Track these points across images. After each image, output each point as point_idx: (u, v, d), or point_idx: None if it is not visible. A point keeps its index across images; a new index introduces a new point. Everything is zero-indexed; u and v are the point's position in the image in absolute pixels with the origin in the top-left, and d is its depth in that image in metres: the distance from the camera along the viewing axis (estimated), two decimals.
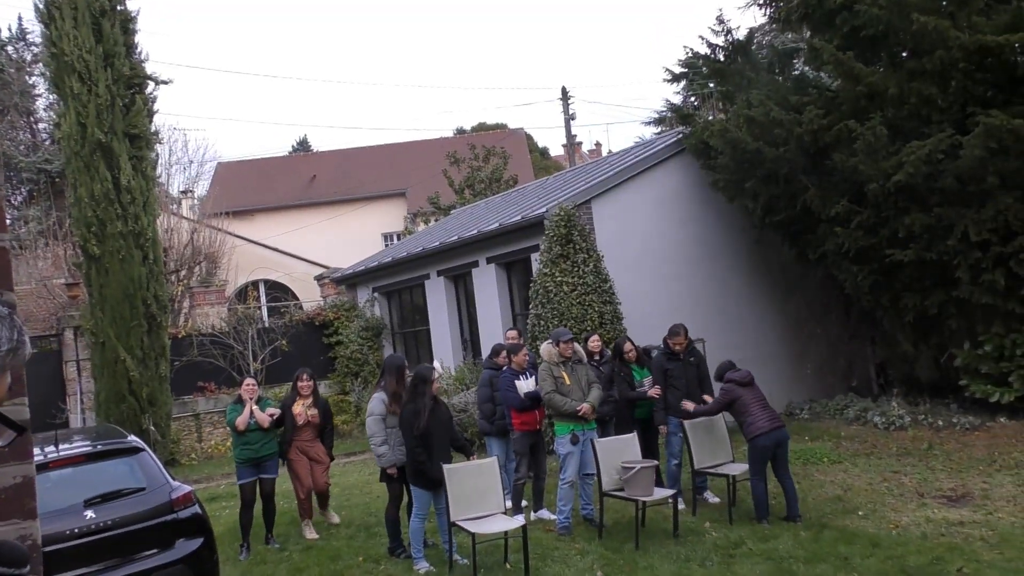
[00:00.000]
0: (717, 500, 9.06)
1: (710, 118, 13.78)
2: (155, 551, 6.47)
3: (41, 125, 30.22)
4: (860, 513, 8.16)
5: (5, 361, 1.71)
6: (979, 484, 8.77)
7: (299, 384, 9.31)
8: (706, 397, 9.00)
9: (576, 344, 8.83)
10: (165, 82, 15.56)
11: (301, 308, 22.14)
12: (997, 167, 10.39)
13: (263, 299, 26.27)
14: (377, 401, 8.15)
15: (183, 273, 22.20)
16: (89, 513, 6.26)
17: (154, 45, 45.53)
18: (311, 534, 9.26)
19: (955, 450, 10.35)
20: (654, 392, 9.02)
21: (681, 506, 8.62)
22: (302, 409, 9.23)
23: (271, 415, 8.92)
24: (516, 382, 8.89)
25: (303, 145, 52.96)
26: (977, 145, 10.15)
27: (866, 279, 12.26)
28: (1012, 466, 9.32)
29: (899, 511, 8.12)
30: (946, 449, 10.44)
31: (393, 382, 8.15)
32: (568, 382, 8.48)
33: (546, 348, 8.77)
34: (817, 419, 13.26)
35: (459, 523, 7.31)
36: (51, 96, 17.61)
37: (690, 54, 15.85)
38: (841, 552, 6.99)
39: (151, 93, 15.14)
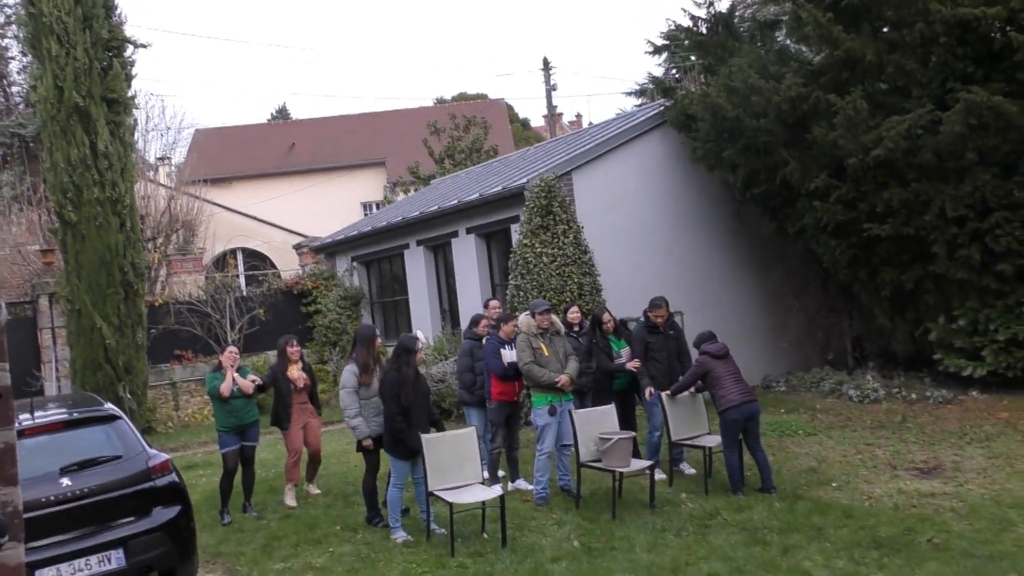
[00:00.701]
0: (693, 472, 9.14)
1: (692, 89, 13.74)
2: (132, 519, 6.44)
3: (15, 88, 29.71)
4: (834, 484, 8.26)
5: None
6: (950, 456, 8.90)
7: (289, 350, 9.45)
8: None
9: (554, 315, 8.84)
10: (144, 45, 15.38)
11: (279, 277, 21.99)
12: (976, 143, 10.45)
13: (241, 267, 26.09)
14: (349, 373, 8.14)
15: (160, 241, 21.97)
16: (65, 481, 6.22)
17: (132, 8, 45.00)
18: (291, 501, 9.31)
19: (928, 423, 10.48)
20: (633, 365, 9.04)
21: (660, 476, 8.70)
22: (298, 373, 9.40)
23: (253, 381, 8.94)
24: (502, 350, 8.90)
25: (282, 113, 52.47)
26: (957, 121, 10.19)
27: (844, 253, 12.33)
28: (983, 439, 9.46)
29: (872, 483, 8.22)
30: (919, 422, 10.57)
31: (364, 352, 8.15)
32: (547, 353, 8.50)
33: (524, 319, 8.78)
34: (793, 392, 13.39)
35: (436, 493, 7.34)
36: (26, 58, 17.32)
37: (672, 26, 15.80)
38: (815, 523, 7.08)
39: (130, 57, 14.91)
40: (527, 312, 8.85)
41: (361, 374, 8.05)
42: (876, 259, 12.19)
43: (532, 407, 8.69)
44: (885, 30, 11.61)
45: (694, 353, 8.83)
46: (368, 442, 8.05)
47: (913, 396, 11.77)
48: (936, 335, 12.02)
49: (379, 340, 8.36)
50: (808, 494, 7.99)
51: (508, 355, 8.86)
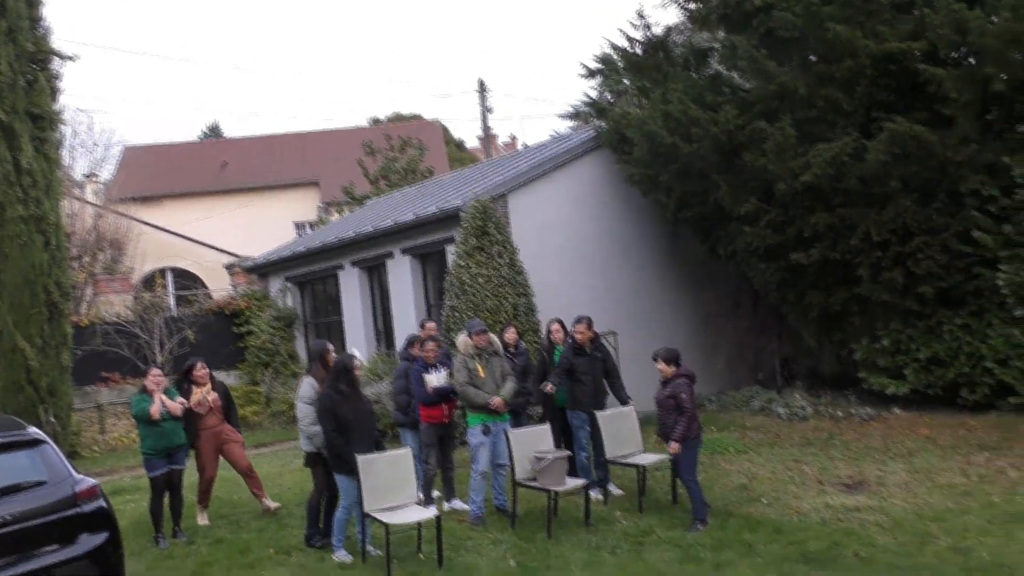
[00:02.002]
0: (621, 493, 9.20)
1: (629, 110, 13.98)
2: (57, 546, 6.25)
3: None
4: (764, 501, 8.43)
5: None
6: (875, 472, 9.15)
7: (195, 374, 9.27)
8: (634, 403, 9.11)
9: (492, 336, 8.88)
10: (70, 58, 14.93)
11: (211, 297, 21.65)
12: (899, 171, 10.83)
13: (171, 287, 25.61)
14: (307, 386, 8.19)
15: (87, 259, 21.49)
16: None
17: (59, 20, 43.97)
18: (203, 520, 9.31)
19: (853, 440, 10.77)
20: (548, 388, 9.01)
21: (597, 496, 8.77)
22: (201, 397, 9.17)
23: (181, 403, 8.78)
24: (424, 375, 8.89)
25: (214, 131, 51.69)
26: (881, 150, 10.57)
27: (773, 276, 12.63)
28: (905, 454, 9.76)
29: (800, 498, 8.41)
30: (845, 439, 10.86)
31: (318, 367, 8.22)
32: (482, 374, 8.53)
33: (462, 340, 8.80)
34: (724, 410, 13.63)
35: (372, 514, 7.30)
36: None
37: (608, 46, 16.01)
38: (746, 539, 7.21)
39: (56, 71, 14.56)
40: (464, 332, 8.87)
41: (319, 387, 8.04)
42: (804, 282, 12.50)
43: (467, 426, 8.70)
44: (813, 59, 11.98)
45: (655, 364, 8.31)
46: (324, 450, 7.93)
47: (839, 414, 12.09)
48: (860, 355, 12.37)
49: (332, 353, 8.29)
50: (739, 510, 8.14)
51: (432, 379, 8.85)
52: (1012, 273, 10.54)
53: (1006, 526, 6.98)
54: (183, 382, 9.29)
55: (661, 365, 8.12)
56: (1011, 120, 10.71)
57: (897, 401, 12.04)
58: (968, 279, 11.16)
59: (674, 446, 7.86)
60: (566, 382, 9.12)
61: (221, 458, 9.47)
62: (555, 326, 9.68)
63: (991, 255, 10.78)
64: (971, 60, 10.78)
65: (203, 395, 9.19)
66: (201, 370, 9.28)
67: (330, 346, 8.55)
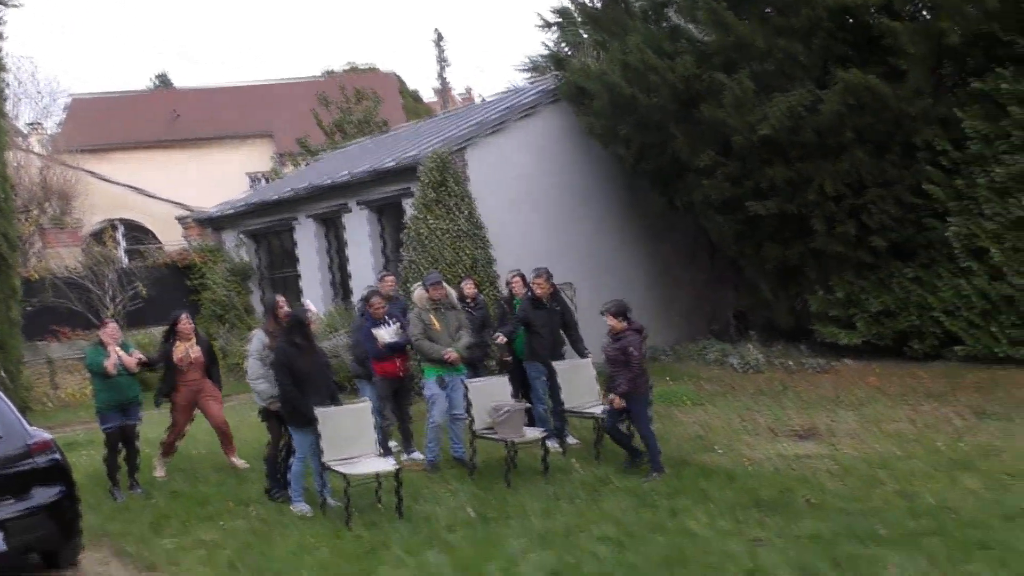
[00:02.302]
0: (578, 443, 9.31)
1: (587, 63, 13.89)
2: (11, 500, 6.21)
3: None
4: (718, 450, 8.59)
5: None
6: (825, 421, 9.36)
7: (179, 325, 9.16)
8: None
9: (448, 288, 8.87)
10: (16, 5, 14.51)
11: (163, 251, 21.33)
12: (853, 122, 10.92)
13: (122, 241, 25.17)
14: (256, 340, 8.19)
15: (34, 211, 21.01)
16: None
17: None
18: (160, 473, 9.34)
19: (805, 390, 10.99)
20: (499, 339, 9.08)
21: (555, 446, 8.86)
22: (185, 350, 9.09)
23: (137, 358, 8.67)
24: (375, 331, 8.86)
25: (163, 81, 50.47)
26: (836, 101, 10.63)
27: (731, 229, 12.73)
28: (855, 403, 9.99)
29: (753, 447, 8.59)
30: (797, 389, 11.07)
31: (270, 319, 8.27)
32: (438, 327, 8.53)
33: (418, 293, 8.80)
34: (680, 362, 13.80)
35: (332, 465, 7.32)
36: None
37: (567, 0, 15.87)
38: (700, 486, 7.35)
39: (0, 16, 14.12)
40: (420, 285, 8.85)
41: (269, 341, 8.03)
42: (761, 234, 12.62)
43: (423, 379, 8.73)
44: (770, 12, 11.97)
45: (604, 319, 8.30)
46: (275, 405, 7.91)
47: (792, 365, 12.31)
48: (813, 307, 12.57)
49: (284, 307, 8.26)
50: (694, 459, 8.28)
51: (382, 334, 8.82)
52: (961, 226, 10.74)
53: (950, 472, 7.19)
54: (169, 335, 9.21)
55: (611, 320, 8.12)
56: (964, 75, 10.84)
57: (848, 352, 12.28)
58: (919, 231, 11.36)
59: (617, 400, 7.94)
60: (524, 334, 9.16)
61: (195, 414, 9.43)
62: (515, 278, 9.69)
63: (942, 208, 10.97)
64: (926, 14, 10.86)
65: (186, 349, 9.12)
66: (186, 323, 9.17)
67: (281, 299, 8.52)
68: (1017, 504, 6.26)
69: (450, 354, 8.43)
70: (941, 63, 10.72)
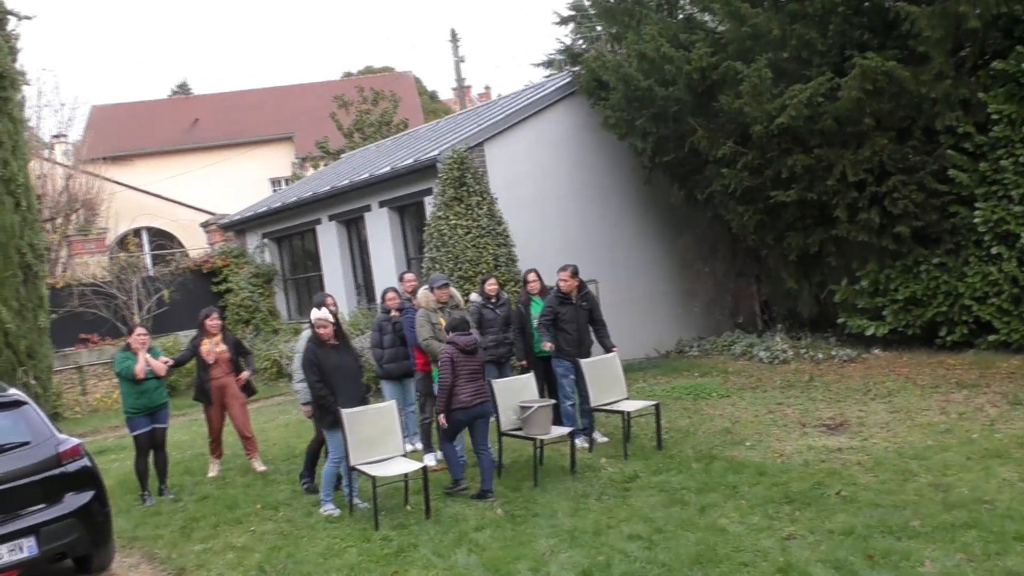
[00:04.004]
0: (606, 440, 9.27)
1: (605, 55, 13.84)
2: (43, 506, 6.27)
3: None
4: (747, 444, 8.51)
5: None
6: (855, 413, 9.26)
7: (207, 323, 9.31)
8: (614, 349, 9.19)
9: (452, 289, 8.85)
10: (28, 17, 14.65)
11: (187, 256, 21.45)
12: (873, 109, 10.79)
13: (146, 247, 25.36)
14: (302, 339, 8.32)
15: (59, 221, 21.19)
16: None
17: None
18: (213, 471, 9.52)
19: (833, 381, 10.88)
20: (547, 347, 8.92)
21: (583, 443, 8.82)
22: (210, 347, 9.23)
23: (165, 362, 8.75)
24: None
25: (183, 88, 50.88)
26: (854, 87, 10.51)
27: (751, 219, 12.63)
28: (885, 394, 9.87)
29: (783, 440, 8.51)
30: (825, 380, 10.96)
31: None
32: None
33: (423, 294, 8.78)
34: (706, 355, 13.72)
35: (359, 467, 7.31)
36: None
37: None
38: (730, 481, 7.29)
39: (13, 30, 14.23)
40: (426, 287, 8.84)
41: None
42: (782, 224, 12.52)
43: (433, 380, 8.69)
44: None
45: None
46: (308, 409, 8.15)
47: (819, 356, 12.19)
48: (839, 297, 12.44)
49: (332, 305, 8.25)
50: (723, 454, 8.22)
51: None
52: (988, 211, 10.60)
53: (985, 462, 7.09)
54: (199, 333, 9.36)
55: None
56: (985, 56, 10.68)
57: (877, 342, 12.15)
58: (944, 217, 11.21)
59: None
60: (550, 330, 9.11)
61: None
62: (531, 276, 9.65)
63: (967, 193, 10.83)
64: None
65: (211, 346, 9.26)
66: (211, 321, 9.32)
67: (330, 298, 8.54)
68: None
69: None
70: (961, 45, 10.56)
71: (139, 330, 8.84)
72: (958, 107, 10.67)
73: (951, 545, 5.48)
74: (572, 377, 9.01)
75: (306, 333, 8.28)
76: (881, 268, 11.87)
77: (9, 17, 14.20)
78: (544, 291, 9.54)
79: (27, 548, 6.05)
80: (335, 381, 7.48)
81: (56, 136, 27.78)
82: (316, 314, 7.67)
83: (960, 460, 7.20)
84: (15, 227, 13.56)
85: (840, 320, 12.57)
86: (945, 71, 10.43)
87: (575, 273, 9.15)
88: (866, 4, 10.90)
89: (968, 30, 10.21)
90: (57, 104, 42.86)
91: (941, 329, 11.43)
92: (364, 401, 7.79)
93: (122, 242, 23.58)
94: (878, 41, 11.03)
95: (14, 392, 6.90)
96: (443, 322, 8.49)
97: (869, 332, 12.04)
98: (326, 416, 7.52)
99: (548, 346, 8.90)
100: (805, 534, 5.96)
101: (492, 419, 8.44)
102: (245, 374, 9.51)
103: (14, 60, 14.09)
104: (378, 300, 11.58)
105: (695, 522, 6.43)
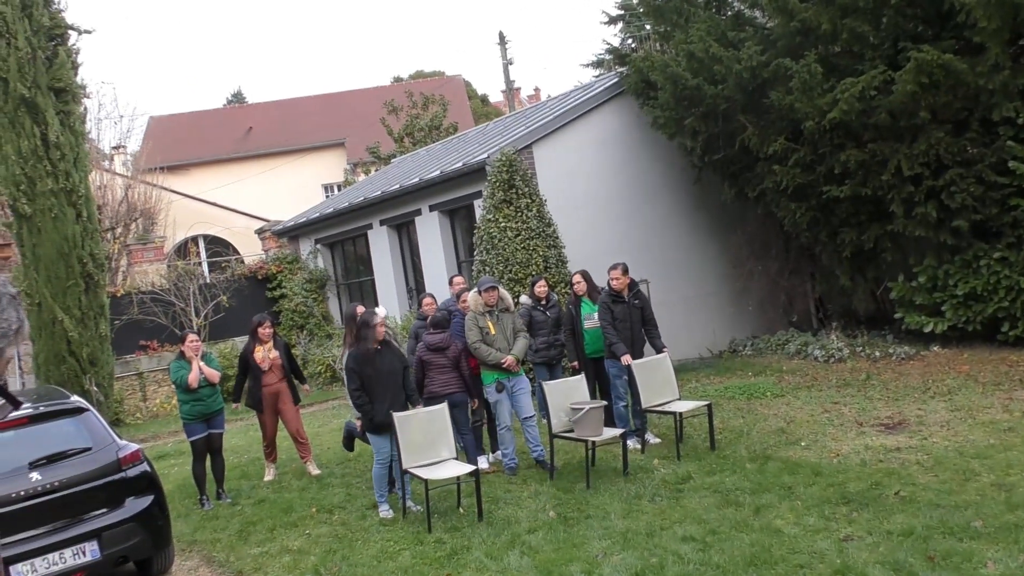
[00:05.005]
0: (659, 441, 9.20)
1: (653, 54, 13.76)
2: (104, 510, 6.41)
3: None
4: (803, 444, 8.39)
5: (13, 339, 1.74)
6: (914, 411, 9.07)
7: (259, 331, 9.49)
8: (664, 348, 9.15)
9: (503, 291, 8.81)
10: (88, 32, 14.99)
11: (243, 262, 21.81)
12: (928, 102, 10.58)
13: (203, 254, 25.82)
14: (348, 354, 8.38)
15: (119, 230, 21.69)
16: (35, 475, 6.16)
17: None
18: (269, 475, 9.69)
19: (891, 379, 10.67)
20: (625, 360, 8.81)
21: (635, 444, 8.78)
22: (263, 354, 9.41)
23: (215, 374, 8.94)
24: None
25: (237, 97, 51.79)
26: (909, 80, 10.30)
27: (804, 215, 12.45)
28: (945, 392, 9.65)
29: (839, 440, 8.37)
30: (883, 379, 10.76)
31: (348, 331, 8.53)
32: (493, 332, 8.49)
33: (472, 297, 8.77)
34: (760, 355, 13.55)
35: (411, 470, 7.37)
36: None
37: None
38: (785, 482, 7.19)
39: (74, 45, 14.61)
40: (474, 290, 8.85)
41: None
42: (835, 220, 12.33)
43: (484, 384, 8.72)
44: None
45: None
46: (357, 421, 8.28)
47: (876, 354, 11.97)
48: (896, 293, 12.20)
49: (382, 327, 8.33)
50: (778, 454, 8.11)
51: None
52: None
53: None
54: (251, 340, 9.56)
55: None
56: None
57: (936, 339, 11.88)
58: (1004, 211, 10.92)
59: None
60: (616, 329, 9.02)
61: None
62: (576, 277, 9.62)
63: None
64: None
65: (264, 353, 9.43)
66: (264, 328, 9.51)
67: (360, 308, 8.68)
68: None
69: (507, 360, 8.39)
70: (1019, 35, 10.29)
71: (191, 337, 8.98)
72: (1016, 97, 10.40)
73: (1015, 546, 5.33)
74: (625, 378, 8.96)
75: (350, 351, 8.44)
76: (939, 263, 11.61)
77: (70, 32, 14.58)
78: (591, 291, 9.48)
79: (90, 552, 6.20)
80: (376, 388, 7.59)
81: (115, 147, 28.46)
82: (379, 313, 7.81)
83: (1023, 459, 7.02)
84: (77, 237, 13.95)
85: (897, 317, 12.32)
86: (1002, 62, 10.18)
87: (625, 271, 9.09)
88: None
89: None
90: (116, 116, 43.98)
91: (1003, 325, 11.14)
92: (411, 403, 7.86)
93: (180, 250, 24.06)
94: (932, 32, 10.82)
95: (76, 399, 7.09)
96: (491, 325, 8.50)
97: (927, 329, 11.78)
98: (367, 421, 7.71)
99: (626, 360, 8.77)
100: (863, 535, 5.85)
101: (535, 421, 8.52)
102: (306, 387, 9.89)
103: (75, 74, 14.46)
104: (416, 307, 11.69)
105: (749, 523, 6.35)
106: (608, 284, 9.13)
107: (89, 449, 6.56)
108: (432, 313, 9.20)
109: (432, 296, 9.72)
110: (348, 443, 9.25)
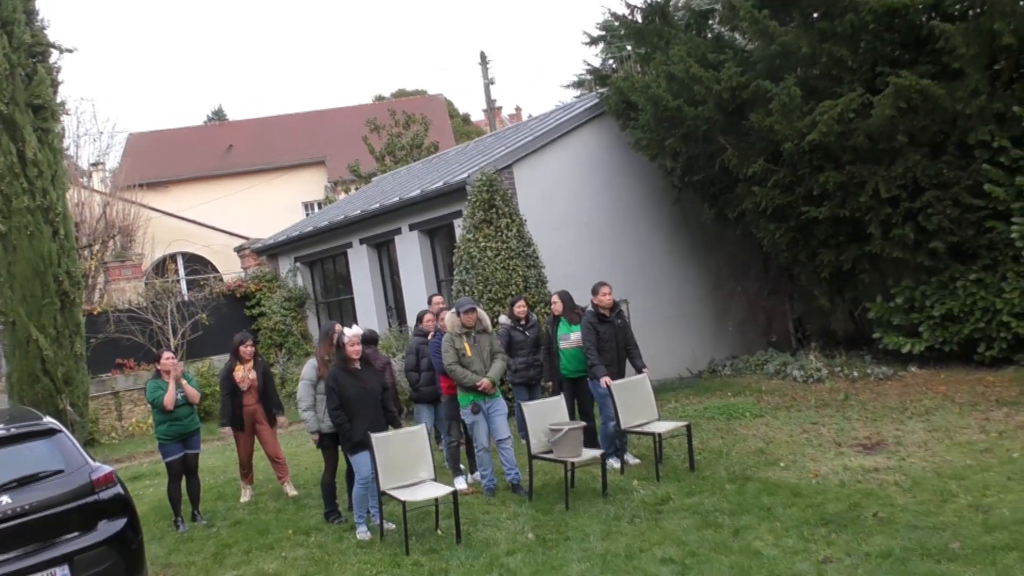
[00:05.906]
0: (638, 461, 9.18)
1: (634, 74, 13.83)
2: (76, 534, 6.28)
3: None
4: (781, 464, 8.39)
5: None
6: (892, 431, 9.10)
7: (241, 350, 9.35)
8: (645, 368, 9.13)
9: (481, 312, 8.77)
10: (69, 50, 14.86)
11: (221, 280, 21.68)
12: (906, 125, 10.69)
13: (181, 272, 25.66)
14: (309, 366, 8.34)
15: (96, 248, 21.51)
16: (4, 498, 6.04)
17: (56, 11, 43.91)
18: (245, 497, 9.56)
19: (870, 400, 10.71)
20: (605, 382, 8.76)
21: (614, 465, 8.75)
22: (243, 374, 9.27)
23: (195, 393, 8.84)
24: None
25: (218, 114, 51.65)
26: (887, 105, 10.41)
27: (783, 236, 12.52)
28: (923, 413, 9.69)
29: (818, 461, 8.37)
30: (861, 399, 10.80)
31: (323, 347, 8.35)
32: (469, 353, 8.43)
33: (450, 318, 8.72)
34: (739, 375, 13.58)
35: (388, 492, 7.30)
36: None
37: (609, 16, 15.86)
38: (764, 503, 7.19)
39: (55, 62, 14.50)
40: (452, 311, 8.81)
41: (319, 367, 8.20)
42: (814, 241, 12.40)
43: (459, 405, 8.68)
44: (815, 16, 11.81)
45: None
46: (315, 436, 8.18)
47: (855, 374, 12.02)
48: (874, 314, 12.28)
49: (338, 334, 8.15)
50: (757, 475, 8.11)
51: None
52: None
53: None
54: (232, 359, 9.41)
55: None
56: (1020, 70, 10.54)
57: (913, 359, 11.95)
58: (980, 233, 11.03)
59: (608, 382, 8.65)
60: (580, 351, 9.04)
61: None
62: (553, 298, 9.59)
63: (1003, 208, 10.66)
64: (976, 11, 10.59)
65: (244, 372, 9.30)
66: (246, 347, 9.37)
67: (338, 327, 8.53)
68: None
69: (483, 383, 8.34)
70: (996, 60, 10.43)
71: (166, 354, 8.87)
72: (992, 121, 10.53)
73: (992, 568, 5.35)
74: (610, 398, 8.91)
75: (312, 360, 8.40)
76: (916, 284, 11.70)
77: (51, 50, 14.47)
78: (568, 311, 9.41)
79: None
80: (355, 407, 7.51)
81: (94, 164, 28.28)
82: (349, 332, 7.70)
83: (1000, 480, 7.05)
84: (53, 255, 13.79)
85: (875, 337, 12.40)
86: (980, 87, 10.31)
87: (608, 287, 9.08)
88: (897, 21, 10.80)
89: (1002, 46, 10.09)
90: (95, 132, 43.73)
91: (979, 345, 11.23)
92: (393, 423, 7.80)
93: (159, 267, 23.89)
94: (910, 57, 10.94)
95: (48, 420, 6.96)
96: (467, 347, 8.46)
97: (905, 349, 11.85)
98: (346, 441, 7.58)
99: (606, 381, 8.73)
100: (841, 557, 5.85)
101: (510, 443, 8.48)
102: (282, 420, 9.65)
103: (55, 92, 14.35)
104: (410, 323, 11.62)
105: (729, 545, 6.34)
106: (591, 303, 9.11)
107: (61, 471, 6.44)
108: (431, 329, 9.20)
109: (432, 313, 9.61)
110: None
